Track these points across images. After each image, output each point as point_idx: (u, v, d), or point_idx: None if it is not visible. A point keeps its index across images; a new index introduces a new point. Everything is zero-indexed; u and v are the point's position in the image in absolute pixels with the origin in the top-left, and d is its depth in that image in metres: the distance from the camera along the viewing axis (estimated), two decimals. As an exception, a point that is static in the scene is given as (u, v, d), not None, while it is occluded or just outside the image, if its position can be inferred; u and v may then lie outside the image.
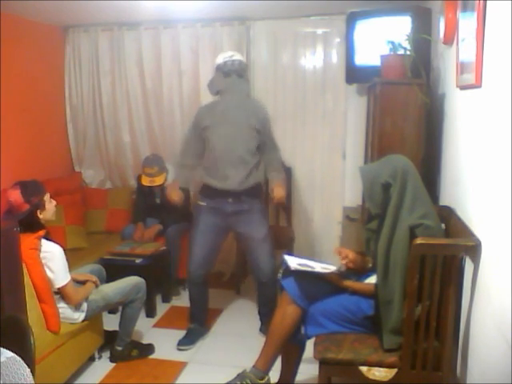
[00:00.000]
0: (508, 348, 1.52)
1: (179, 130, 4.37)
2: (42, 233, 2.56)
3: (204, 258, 3.24)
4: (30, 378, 1.51)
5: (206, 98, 3.75)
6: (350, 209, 3.98)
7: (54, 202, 2.76)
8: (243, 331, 3.43)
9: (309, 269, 2.36)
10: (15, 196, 2.60)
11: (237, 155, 3.09)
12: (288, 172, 3.99)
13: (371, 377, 2.11)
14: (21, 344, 1.74)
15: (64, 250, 2.66)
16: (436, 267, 1.96)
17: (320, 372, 2.19)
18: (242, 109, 3.15)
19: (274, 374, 2.50)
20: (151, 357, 3.12)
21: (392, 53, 2.81)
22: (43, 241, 2.56)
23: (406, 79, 2.78)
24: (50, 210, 2.72)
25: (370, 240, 2.41)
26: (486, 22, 1.84)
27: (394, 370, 2.11)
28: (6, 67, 3.75)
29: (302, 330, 2.34)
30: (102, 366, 3.00)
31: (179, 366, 3.01)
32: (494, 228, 1.76)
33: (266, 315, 3.17)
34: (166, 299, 3.93)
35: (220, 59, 3.16)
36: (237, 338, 3.35)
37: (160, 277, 3.81)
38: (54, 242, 2.63)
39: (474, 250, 1.91)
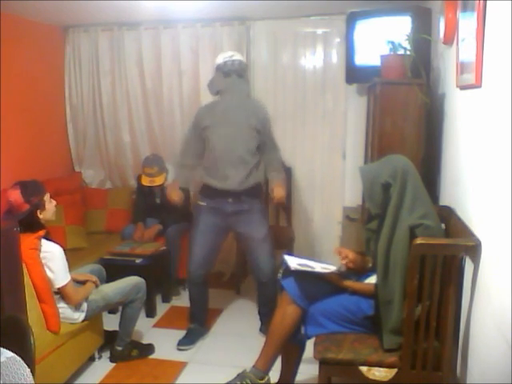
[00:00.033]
0: (508, 348, 1.52)
1: (179, 130, 4.37)
2: (42, 233, 2.56)
3: (204, 257, 3.24)
4: (30, 378, 1.51)
5: (206, 97, 3.75)
6: (350, 209, 3.98)
7: (54, 202, 2.76)
8: (243, 331, 3.43)
9: (309, 269, 2.36)
10: (15, 196, 2.60)
11: (237, 155, 3.09)
12: (288, 172, 3.99)
13: (371, 377, 2.11)
14: (21, 344, 1.74)
15: (64, 250, 2.66)
16: (436, 267, 1.96)
17: (320, 372, 2.19)
18: (242, 109, 3.15)
19: (274, 374, 2.50)
20: (151, 357, 3.12)
21: (392, 53, 2.81)
22: (43, 241, 2.56)
23: (406, 79, 2.78)
24: (50, 210, 2.72)
25: (370, 240, 2.41)
26: (486, 22, 1.84)
27: (394, 370, 2.11)
28: (5, 67, 3.75)
29: (302, 330, 2.34)
30: (102, 366, 3.00)
31: (179, 366, 3.01)
32: (493, 228, 1.76)
33: (266, 315, 3.17)
34: (166, 299, 3.93)
35: (220, 59, 3.16)
36: (237, 338, 3.35)
37: (160, 277, 3.81)
38: (54, 241, 2.63)
39: (474, 249, 1.91)
